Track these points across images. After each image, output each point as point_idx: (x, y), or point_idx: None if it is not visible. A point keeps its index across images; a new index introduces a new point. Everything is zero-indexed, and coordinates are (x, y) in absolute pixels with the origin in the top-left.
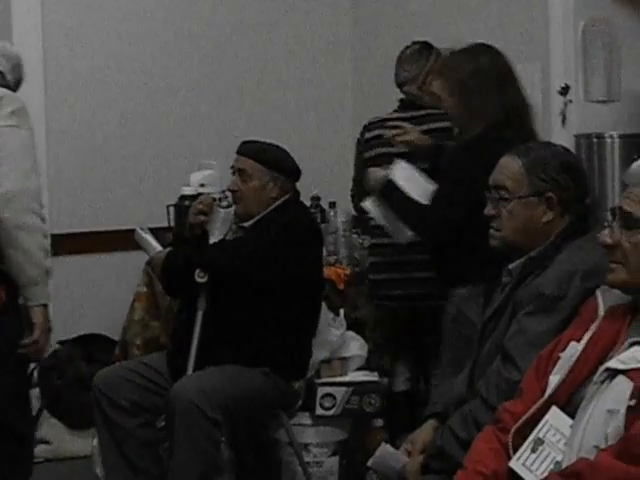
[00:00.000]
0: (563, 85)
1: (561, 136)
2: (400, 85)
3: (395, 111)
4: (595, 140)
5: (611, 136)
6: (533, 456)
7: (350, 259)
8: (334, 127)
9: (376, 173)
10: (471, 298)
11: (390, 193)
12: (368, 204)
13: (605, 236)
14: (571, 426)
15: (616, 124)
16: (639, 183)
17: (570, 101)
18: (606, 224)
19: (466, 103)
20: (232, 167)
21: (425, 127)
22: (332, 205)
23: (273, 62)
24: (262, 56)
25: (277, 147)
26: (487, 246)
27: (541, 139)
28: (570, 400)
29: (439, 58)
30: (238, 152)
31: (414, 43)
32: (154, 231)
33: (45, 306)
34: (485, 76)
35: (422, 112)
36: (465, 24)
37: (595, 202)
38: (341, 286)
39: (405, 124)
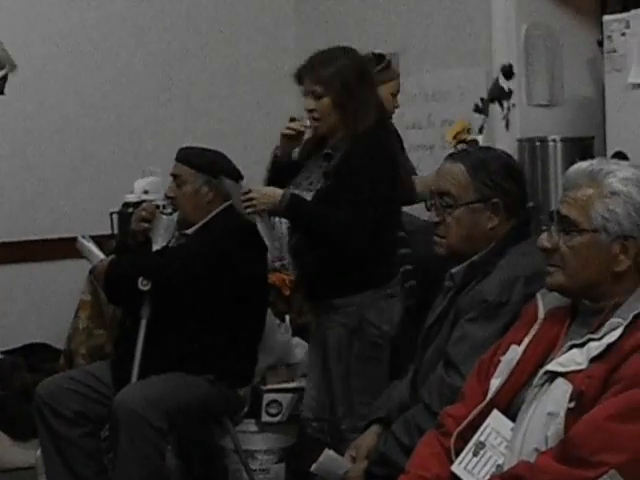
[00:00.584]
0: (506, 89)
1: (505, 140)
2: None
3: None
4: (538, 144)
5: (554, 140)
6: (475, 460)
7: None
8: (279, 132)
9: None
10: (371, 304)
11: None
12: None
13: (543, 240)
14: (512, 429)
15: (559, 128)
16: (575, 186)
17: (513, 105)
18: (544, 228)
19: (345, 103)
20: (170, 174)
21: None
22: None
23: (218, 69)
24: (208, 63)
25: (214, 152)
26: (380, 249)
27: None
28: (511, 403)
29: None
30: (175, 158)
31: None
32: (97, 239)
33: None
34: (356, 76)
35: None
36: (409, 29)
37: (539, 206)
38: (287, 292)
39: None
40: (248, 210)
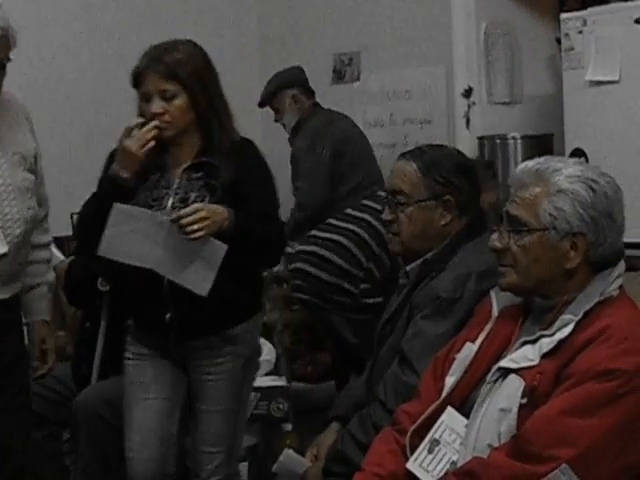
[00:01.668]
0: (466, 87)
1: (465, 138)
2: None
3: None
4: (498, 141)
5: (514, 137)
6: (430, 457)
7: None
8: (241, 134)
9: None
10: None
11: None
12: None
13: (494, 241)
14: (466, 426)
15: (519, 125)
16: (523, 186)
17: (473, 103)
18: (494, 228)
19: (202, 101)
20: None
21: None
22: None
23: None
24: None
25: None
26: None
27: None
28: (466, 400)
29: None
30: None
31: None
32: (59, 240)
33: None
34: (209, 67)
35: None
36: (370, 28)
37: (499, 203)
38: None
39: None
40: (198, 234)
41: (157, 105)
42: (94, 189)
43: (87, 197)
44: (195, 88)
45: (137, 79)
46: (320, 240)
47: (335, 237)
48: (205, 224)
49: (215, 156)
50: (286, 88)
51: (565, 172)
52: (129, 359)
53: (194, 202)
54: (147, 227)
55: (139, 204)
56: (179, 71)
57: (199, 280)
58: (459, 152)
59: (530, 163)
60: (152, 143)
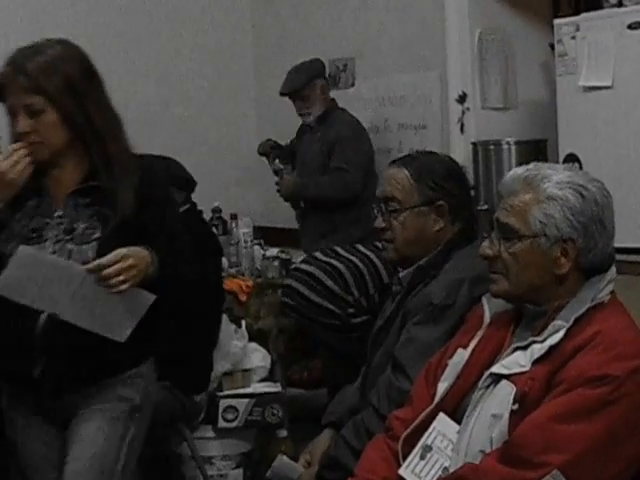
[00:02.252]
0: (460, 93)
1: (460, 144)
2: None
3: None
4: (492, 147)
5: (508, 143)
6: (422, 463)
7: (252, 270)
8: (236, 140)
9: None
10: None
11: None
12: None
13: (485, 248)
14: (458, 432)
15: (513, 131)
16: (513, 193)
17: (468, 109)
18: (485, 235)
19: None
20: None
21: None
22: (234, 217)
23: (175, 74)
24: (164, 68)
25: (167, 159)
26: None
27: None
28: (458, 406)
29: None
30: None
31: None
32: None
33: None
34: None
35: None
36: (364, 35)
37: (494, 209)
38: (243, 297)
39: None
40: (123, 287)
41: (23, 123)
42: None
43: None
44: (66, 101)
45: (0, 91)
46: (320, 263)
47: (335, 263)
48: (131, 274)
49: (107, 179)
50: (317, 78)
51: (554, 179)
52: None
53: (83, 234)
54: (57, 275)
55: (13, 236)
56: (44, 82)
57: (116, 326)
58: (450, 158)
59: (519, 170)
60: (29, 168)
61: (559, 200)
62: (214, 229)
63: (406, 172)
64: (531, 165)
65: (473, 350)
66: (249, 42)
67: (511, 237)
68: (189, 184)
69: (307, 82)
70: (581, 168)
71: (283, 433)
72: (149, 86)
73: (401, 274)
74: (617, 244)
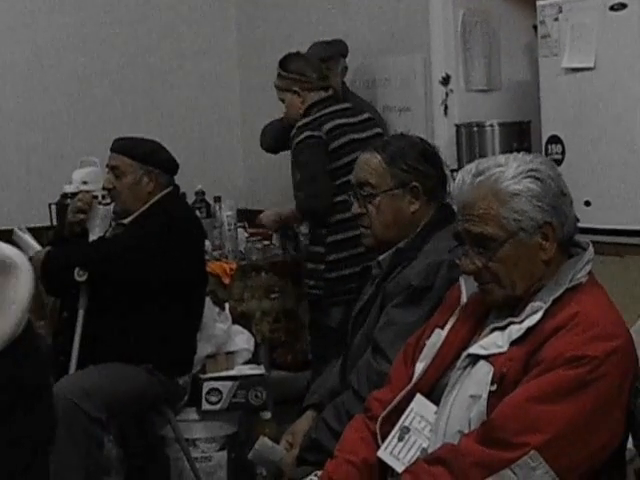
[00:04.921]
0: (444, 75)
1: (443, 126)
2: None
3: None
4: (475, 129)
5: (491, 125)
6: (400, 444)
7: (236, 253)
8: (220, 122)
9: None
10: None
11: None
12: None
13: (467, 265)
14: (436, 412)
15: (497, 113)
16: (472, 202)
17: (451, 91)
18: (462, 252)
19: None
20: (107, 165)
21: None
22: (217, 199)
23: (159, 60)
24: (148, 54)
25: (151, 141)
26: None
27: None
28: (435, 387)
29: None
30: (111, 149)
31: None
32: (37, 230)
33: None
34: None
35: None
36: (347, 17)
37: None
38: (226, 280)
39: None
40: None
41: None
42: (70, 180)
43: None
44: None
45: None
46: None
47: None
48: None
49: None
50: (342, 57)
51: (507, 175)
52: None
53: None
54: None
55: None
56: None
57: None
58: (422, 139)
59: (465, 178)
60: None
61: (523, 193)
62: (197, 212)
63: (378, 157)
64: (472, 167)
65: (450, 330)
66: (233, 26)
67: (491, 245)
68: (172, 166)
69: (332, 57)
70: (564, 150)
71: (267, 415)
72: (131, 70)
73: (380, 257)
74: (597, 225)
